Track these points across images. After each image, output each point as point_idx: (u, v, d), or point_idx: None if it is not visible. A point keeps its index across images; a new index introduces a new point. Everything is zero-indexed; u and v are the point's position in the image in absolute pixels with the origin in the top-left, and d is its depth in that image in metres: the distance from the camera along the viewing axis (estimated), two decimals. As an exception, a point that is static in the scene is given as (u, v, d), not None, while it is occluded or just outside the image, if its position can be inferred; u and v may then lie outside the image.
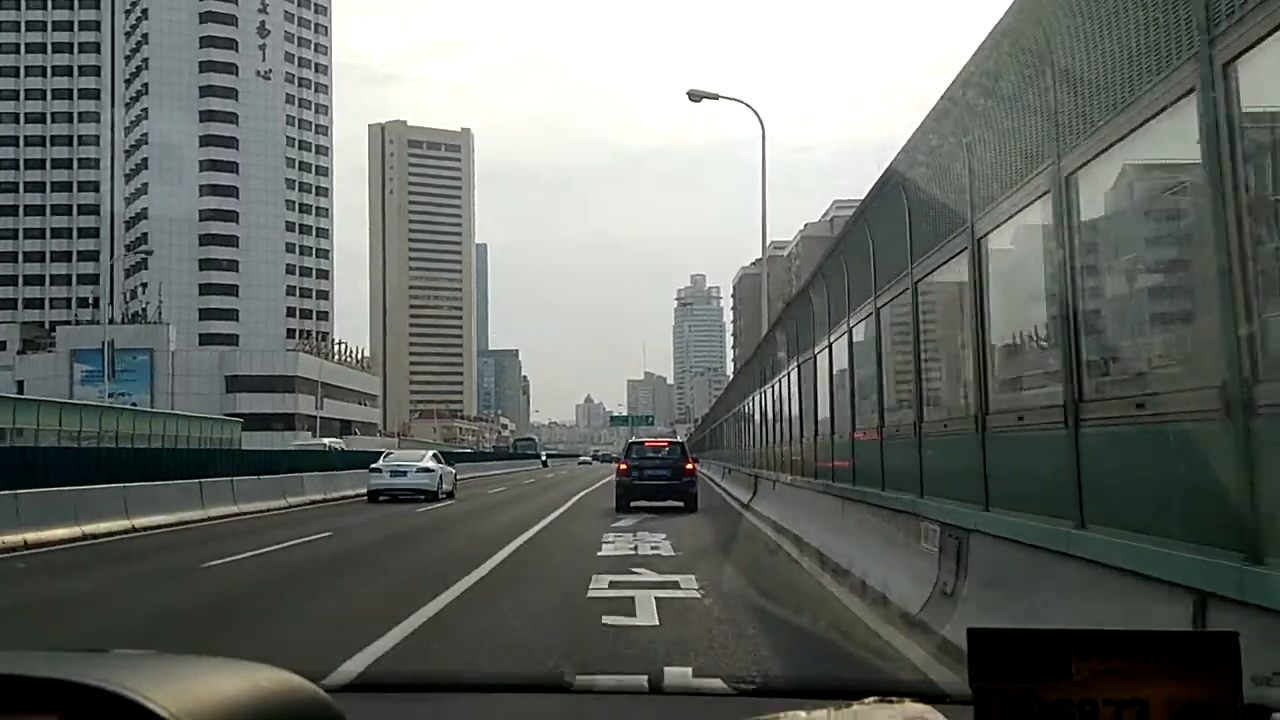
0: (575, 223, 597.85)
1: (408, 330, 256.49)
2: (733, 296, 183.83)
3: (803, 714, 1.46)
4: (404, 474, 31.38)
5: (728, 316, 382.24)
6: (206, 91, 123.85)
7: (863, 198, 13.34)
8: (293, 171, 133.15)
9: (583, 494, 36.41)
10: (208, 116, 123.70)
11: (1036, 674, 1.11)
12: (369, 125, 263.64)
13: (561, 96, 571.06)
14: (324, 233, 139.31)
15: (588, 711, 2.26)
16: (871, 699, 1.49)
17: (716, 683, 2.94)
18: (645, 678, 2.75)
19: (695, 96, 34.46)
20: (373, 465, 32.45)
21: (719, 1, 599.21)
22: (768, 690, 2.59)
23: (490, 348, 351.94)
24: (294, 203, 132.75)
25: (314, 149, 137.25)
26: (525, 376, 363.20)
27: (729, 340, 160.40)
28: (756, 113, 34.36)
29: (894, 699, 1.50)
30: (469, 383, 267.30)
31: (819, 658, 8.15)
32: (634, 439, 31.66)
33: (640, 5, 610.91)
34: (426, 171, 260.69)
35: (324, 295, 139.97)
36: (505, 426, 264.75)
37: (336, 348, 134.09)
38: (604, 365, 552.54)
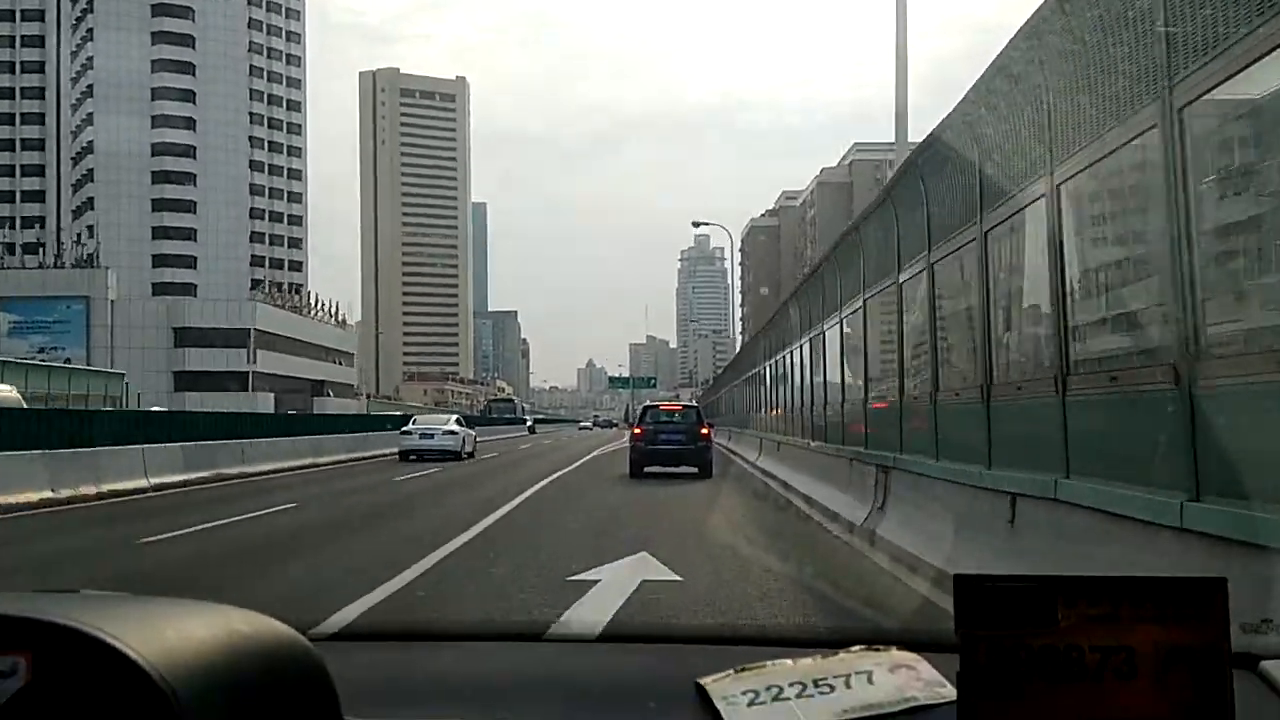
0: (577, 185, 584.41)
1: (401, 289, 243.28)
2: (740, 251, 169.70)
3: (789, 661, 1.49)
4: (431, 436, 34.48)
5: (732, 277, 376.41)
6: (159, 10, 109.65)
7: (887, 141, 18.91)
8: (260, 105, 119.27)
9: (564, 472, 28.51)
10: (161, 39, 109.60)
11: (1022, 620, 1.12)
12: (359, 73, 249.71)
13: (562, 58, 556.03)
14: (296, 174, 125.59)
15: (569, 660, 2.17)
16: (858, 647, 1.52)
17: (703, 630, 3.19)
18: (628, 626, 3.04)
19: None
20: (404, 429, 35.56)
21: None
22: (755, 639, 2.46)
23: (490, 309, 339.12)
24: (262, 140, 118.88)
25: (284, 81, 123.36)
26: (525, 339, 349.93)
27: (736, 299, 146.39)
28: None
29: (880, 647, 1.54)
30: (465, 344, 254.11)
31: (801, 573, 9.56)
32: (649, 403, 30.95)
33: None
34: (420, 122, 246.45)
35: (296, 244, 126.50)
36: (502, 390, 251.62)
37: (308, 300, 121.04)
38: (606, 329, 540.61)
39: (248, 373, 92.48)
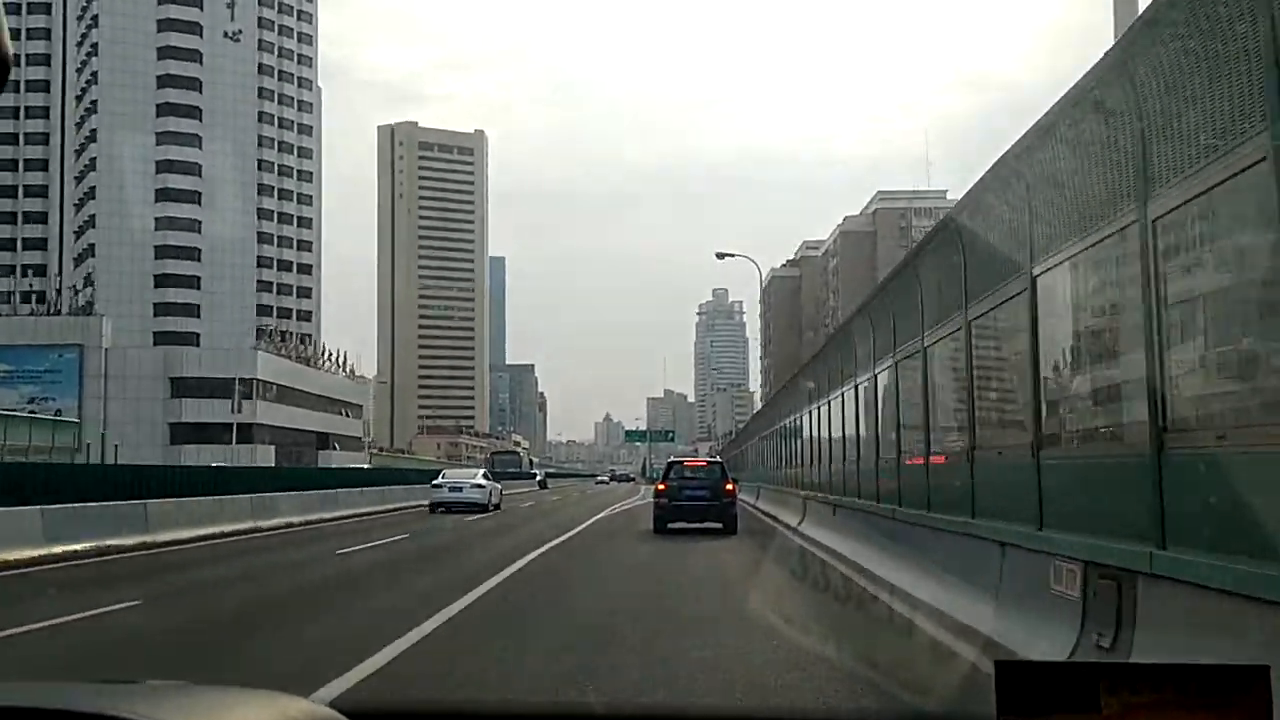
0: (595, 240, 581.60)
1: (417, 342, 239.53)
2: (760, 303, 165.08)
3: None
4: (460, 489, 35.85)
5: (750, 330, 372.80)
6: (165, 54, 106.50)
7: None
8: (270, 152, 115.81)
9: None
10: (166, 82, 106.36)
11: (1064, 707, 1.08)
12: (378, 127, 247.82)
13: (581, 115, 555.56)
14: (306, 223, 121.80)
15: None
16: None
17: (736, 711, 3.25)
18: (664, 707, 3.11)
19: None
20: (434, 482, 37.14)
21: (735, 19, 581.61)
22: (795, 718, 2.46)
23: (507, 363, 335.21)
24: (271, 187, 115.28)
25: (296, 128, 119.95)
26: (542, 393, 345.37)
27: (755, 351, 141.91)
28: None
29: None
30: (480, 398, 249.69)
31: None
32: (673, 459, 31.40)
33: (658, 21, 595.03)
34: (438, 175, 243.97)
35: (306, 293, 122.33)
36: (518, 443, 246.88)
37: (316, 350, 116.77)
38: (624, 384, 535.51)
39: (249, 425, 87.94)
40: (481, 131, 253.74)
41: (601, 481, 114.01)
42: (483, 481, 37.47)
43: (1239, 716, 1.05)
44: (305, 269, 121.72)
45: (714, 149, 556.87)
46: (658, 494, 25.28)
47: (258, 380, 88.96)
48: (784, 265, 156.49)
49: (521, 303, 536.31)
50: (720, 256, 48.17)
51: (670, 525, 23.80)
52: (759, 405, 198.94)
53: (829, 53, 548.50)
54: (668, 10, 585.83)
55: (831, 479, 22.30)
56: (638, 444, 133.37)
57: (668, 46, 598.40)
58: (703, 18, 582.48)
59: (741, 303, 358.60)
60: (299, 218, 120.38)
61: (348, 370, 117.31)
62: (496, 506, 37.34)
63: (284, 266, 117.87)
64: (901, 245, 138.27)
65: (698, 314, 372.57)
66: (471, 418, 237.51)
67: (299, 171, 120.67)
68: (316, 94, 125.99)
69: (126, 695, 0.98)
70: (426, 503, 36.48)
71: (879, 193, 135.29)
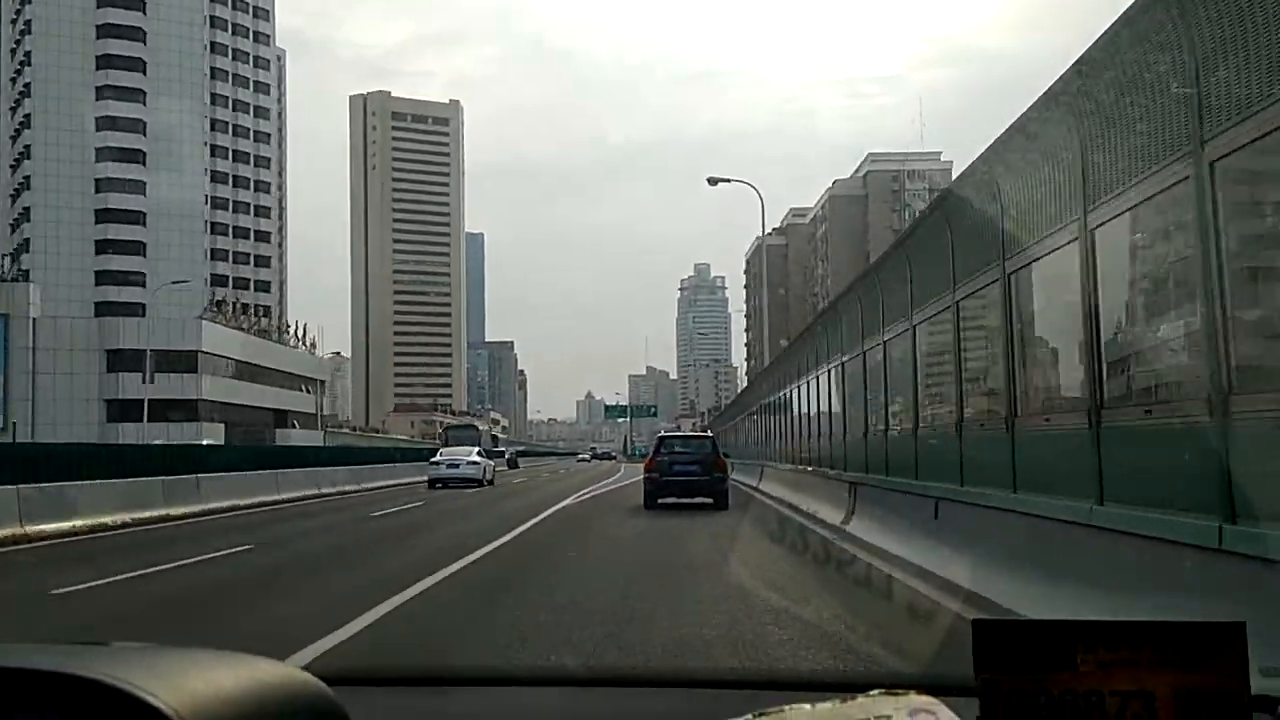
0: (576, 217, 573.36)
1: (392, 318, 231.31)
2: (745, 273, 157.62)
3: (807, 706, 1.46)
4: (457, 466, 38.44)
5: (733, 305, 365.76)
6: (104, 32, 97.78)
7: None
8: (224, 112, 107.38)
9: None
10: (106, 32, 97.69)
11: (1042, 665, 1.10)
12: (350, 97, 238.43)
13: (562, 90, 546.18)
14: (265, 188, 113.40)
15: (591, 704, 2.22)
16: (876, 691, 1.46)
17: (720, 674, 3.30)
18: (647, 669, 3.17)
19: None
20: (432, 459, 39.96)
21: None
22: (772, 683, 2.54)
23: (487, 340, 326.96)
24: (226, 149, 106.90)
25: (251, 85, 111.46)
26: (522, 370, 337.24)
27: (740, 324, 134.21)
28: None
29: (899, 691, 1.47)
30: (458, 375, 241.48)
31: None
32: (663, 433, 31.94)
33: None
34: (412, 147, 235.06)
35: (265, 263, 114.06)
36: (497, 422, 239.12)
37: (273, 323, 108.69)
38: (606, 362, 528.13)
39: (194, 401, 79.99)
40: (456, 102, 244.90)
41: (583, 459, 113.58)
42: (477, 459, 39.72)
43: (1215, 672, 1.07)
44: (264, 237, 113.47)
45: (699, 124, 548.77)
46: (647, 468, 24.74)
47: (202, 353, 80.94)
48: (771, 233, 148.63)
49: (501, 280, 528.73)
50: (713, 182, 44.74)
51: (661, 500, 23.36)
52: (743, 381, 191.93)
53: (814, 26, 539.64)
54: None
55: (890, 456, 15.85)
56: (619, 420, 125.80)
57: (653, 21, 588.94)
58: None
59: (724, 278, 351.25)
60: (256, 182, 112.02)
61: (309, 345, 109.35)
62: (490, 482, 40.08)
63: (240, 234, 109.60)
64: (894, 209, 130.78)
65: (680, 289, 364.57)
66: (449, 396, 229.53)
67: (256, 133, 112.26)
68: (276, 52, 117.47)
69: (91, 656, 0.99)
70: (395, 483, 38.88)
71: (870, 154, 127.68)
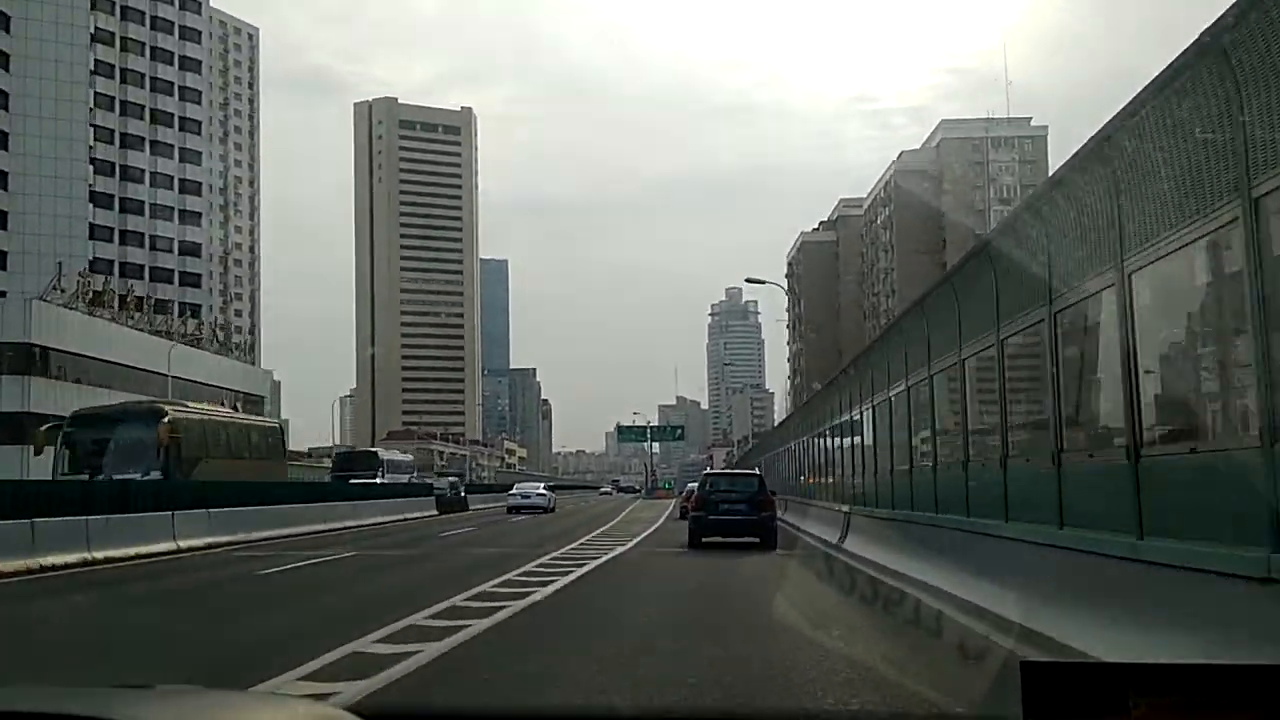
0: (605, 250, 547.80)
1: (400, 340, 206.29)
2: (787, 277, 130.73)
3: None
4: (529, 497, 47.20)
5: (766, 330, 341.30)
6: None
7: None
8: (108, 52, 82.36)
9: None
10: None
11: (1093, 709, 1.03)
12: (355, 104, 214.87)
13: (588, 125, 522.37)
14: (194, 157, 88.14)
15: None
16: None
17: (766, 713, 3.32)
18: (695, 709, 3.00)
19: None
20: (510, 492, 49.76)
21: (740, 21, 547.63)
22: None
23: (510, 368, 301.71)
24: (115, 100, 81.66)
25: (174, 30, 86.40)
26: (546, 399, 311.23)
27: (774, 348, 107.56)
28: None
29: None
30: (471, 402, 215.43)
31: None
32: (710, 470, 33.10)
33: (671, 32, 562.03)
34: (421, 157, 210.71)
35: (194, 251, 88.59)
36: (512, 453, 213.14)
37: (212, 328, 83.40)
38: (636, 394, 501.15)
39: (19, 414, 54.35)
40: (469, 109, 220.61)
41: (605, 493, 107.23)
42: (545, 491, 49.33)
43: (1269, 715, 1.00)
44: (194, 218, 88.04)
45: (727, 158, 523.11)
46: (693, 507, 23.99)
47: (38, 348, 55.35)
48: (818, 229, 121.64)
49: (531, 312, 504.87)
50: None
51: (705, 539, 22.47)
52: (780, 405, 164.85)
53: (841, 59, 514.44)
54: (681, 22, 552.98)
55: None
56: (640, 444, 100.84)
57: (682, 57, 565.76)
58: (716, 25, 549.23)
59: (756, 302, 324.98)
60: (182, 150, 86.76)
61: (224, 344, 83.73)
62: (552, 509, 46.27)
63: (159, 212, 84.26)
64: (976, 187, 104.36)
65: (710, 315, 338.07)
66: (461, 424, 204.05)
67: (180, 88, 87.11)
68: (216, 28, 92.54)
69: (135, 700, 0.94)
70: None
71: (943, 122, 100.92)
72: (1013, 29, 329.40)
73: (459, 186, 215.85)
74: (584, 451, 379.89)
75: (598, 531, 28.43)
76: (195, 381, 72.42)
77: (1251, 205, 5.99)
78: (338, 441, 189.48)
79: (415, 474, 61.59)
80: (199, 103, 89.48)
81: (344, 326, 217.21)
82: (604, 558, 19.17)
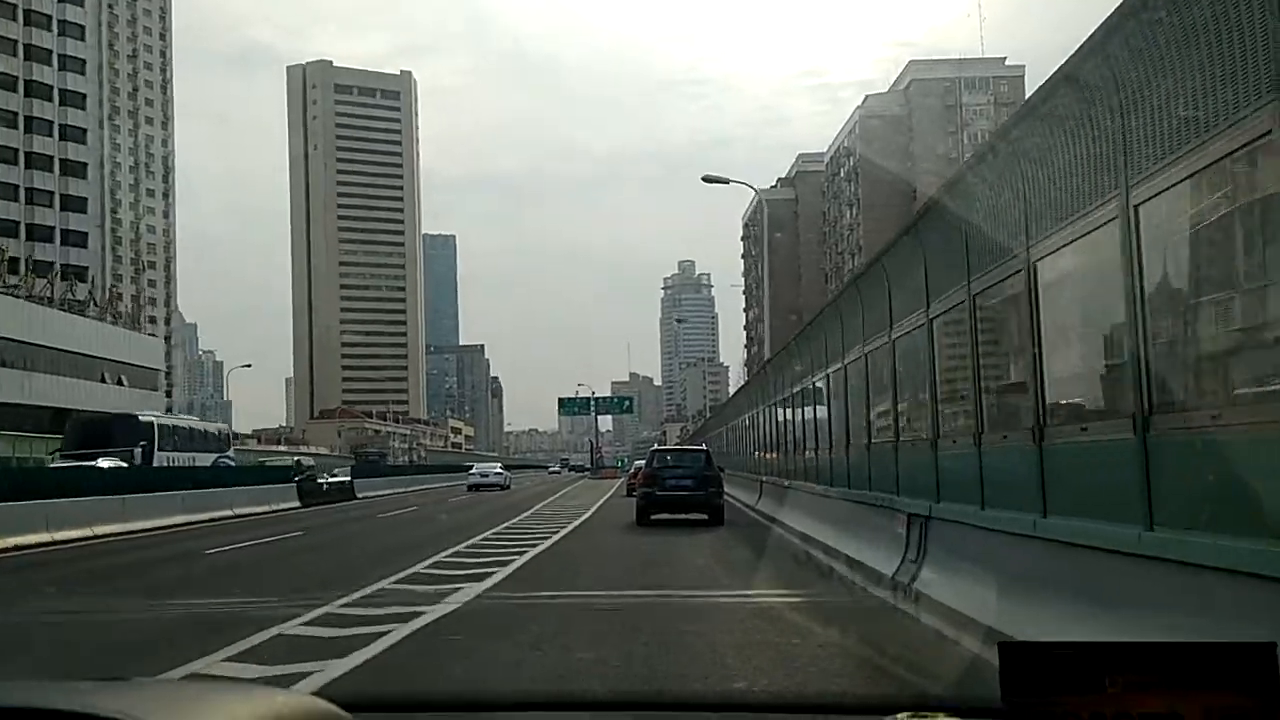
0: (555, 225, 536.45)
1: (339, 316, 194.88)
2: (743, 240, 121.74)
3: None
4: (487, 476, 50.33)
5: (720, 304, 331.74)
6: None
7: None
8: None
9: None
10: None
11: (1069, 687, 1.05)
12: (288, 68, 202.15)
13: (536, 99, 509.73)
14: (75, 101, 77.29)
15: None
16: (904, 714, 1.45)
17: (745, 697, 3.14)
18: (671, 694, 2.86)
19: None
20: (470, 471, 53.87)
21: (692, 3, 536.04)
22: (799, 706, 2.43)
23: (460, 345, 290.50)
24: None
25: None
26: (496, 377, 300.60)
27: (729, 322, 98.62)
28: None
29: (926, 713, 1.47)
30: (415, 379, 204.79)
31: None
32: (657, 446, 32.13)
33: (614, 5, 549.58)
34: (359, 124, 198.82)
35: (80, 206, 77.78)
36: (458, 431, 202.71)
37: (93, 291, 72.87)
38: (589, 372, 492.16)
39: None
40: (408, 73, 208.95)
41: (554, 471, 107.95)
42: (501, 471, 53.35)
43: (1246, 694, 1.01)
44: (76, 169, 77.13)
45: (677, 131, 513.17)
46: (641, 482, 23.02)
47: None
48: (776, 185, 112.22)
49: (481, 289, 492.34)
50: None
51: (654, 516, 21.60)
52: (736, 378, 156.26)
53: (787, 32, 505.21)
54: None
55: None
56: (579, 417, 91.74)
57: (631, 29, 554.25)
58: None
59: (709, 274, 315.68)
60: (62, 91, 75.88)
61: (110, 312, 73.19)
62: (507, 487, 48.56)
63: (41, 164, 73.50)
64: (949, 132, 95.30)
65: (663, 288, 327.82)
66: (405, 402, 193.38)
67: (62, 23, 76.17)
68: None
69: (111, 692, 0.93)
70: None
71: (911, 63, 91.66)
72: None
73: (399, 155, 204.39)
74: (536, 430, 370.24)
75: (468, 543, 18.91)
76: (68, 351, 62.29)
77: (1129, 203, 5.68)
78: (285, 423, 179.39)
79: (229, 448, 49.02)
80: (82, 72, 78.50)
81: (286, 303, 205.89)
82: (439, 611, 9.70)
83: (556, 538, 18.00)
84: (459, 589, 10.31)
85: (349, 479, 38.58)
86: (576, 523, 22.56)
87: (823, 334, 17.38)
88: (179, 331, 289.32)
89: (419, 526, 22.97)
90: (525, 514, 25.69)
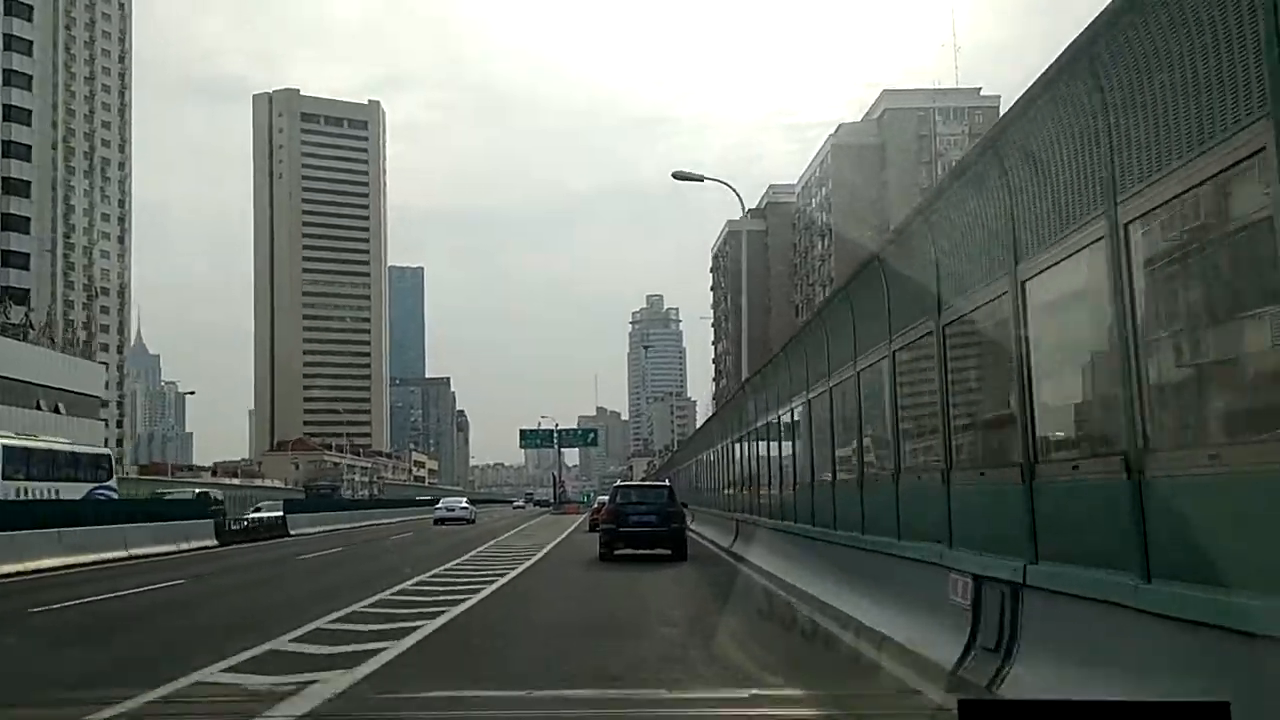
0: (527, 262, 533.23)
1: (301, 345, 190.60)
2: (712, 271, 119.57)
3: None
4: (453, 510, 50.91)
5: (688, 339, 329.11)
6: None
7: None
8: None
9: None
10: None
11: None
12: (254, 96, 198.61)
13: (509, 136, 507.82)
14: (20, 117, 73.86)
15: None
16: None
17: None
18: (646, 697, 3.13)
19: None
20: (437, 506, 54.28)
21: (659, 34, 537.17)
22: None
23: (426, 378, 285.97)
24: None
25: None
26: (462, 411, 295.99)
27: (698, 355, 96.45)
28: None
29: None
30: (377, 411, 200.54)
31: None
32: (620, 483, 32.32)
33: (594, 42, 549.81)
34: (325, 153, 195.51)
35: (18, 226, 74.20)
36: (421, 464, 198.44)
37: (31, 316, 69.32)
38: (555, 406, 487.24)
39: None
40: (376, 102, 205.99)
41: (519, 506, 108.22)
42: (467, 505, 54.57)
43: None
44: (19, 188, 73.59)
45: (648, 169, 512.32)
46: (603, 519, 23.04)
47: None
48: (746, 217, 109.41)
49: (449, 323, 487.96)
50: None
51: (617, 552, 21.35)
52: (703, 416, 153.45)
53: (759, 72, 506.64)
54: (604, 32, 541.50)
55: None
56: (534, 449, 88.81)
57: (603, 68, 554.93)
58: (637, 36, 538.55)
59: (678, 309, 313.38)
60: (8, 107, 72.45)
61: (71, 341, 69.62)
62: (472, 521, 49.40)
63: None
64: (923, 162, 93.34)
65: (631, 323, 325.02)
66: (368, 434, 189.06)
67: (8, 36, 72.91)
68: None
69: None
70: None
71: (885, 91, 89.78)
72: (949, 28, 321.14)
73: (366, 185, 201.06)
74: (502, 464, 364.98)
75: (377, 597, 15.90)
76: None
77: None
78: (247, 457, 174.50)
79: (111, 478, 40.09)
80: (28, 88, 75.28)
81: (248, 334, 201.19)
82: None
83: (492, 589, 14.97)
84: (314, 683, 7.27)
85: (279, 515, 35.06)
86: (523, 567, 19.52)
87: (804, 352, 14.75)
88: (140, 362, 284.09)
89: (338, 570, 19.85)
90: (465, 556, 22.61)
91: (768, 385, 18.48)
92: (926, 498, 8.34)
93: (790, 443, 16.79)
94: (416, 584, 15.58)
